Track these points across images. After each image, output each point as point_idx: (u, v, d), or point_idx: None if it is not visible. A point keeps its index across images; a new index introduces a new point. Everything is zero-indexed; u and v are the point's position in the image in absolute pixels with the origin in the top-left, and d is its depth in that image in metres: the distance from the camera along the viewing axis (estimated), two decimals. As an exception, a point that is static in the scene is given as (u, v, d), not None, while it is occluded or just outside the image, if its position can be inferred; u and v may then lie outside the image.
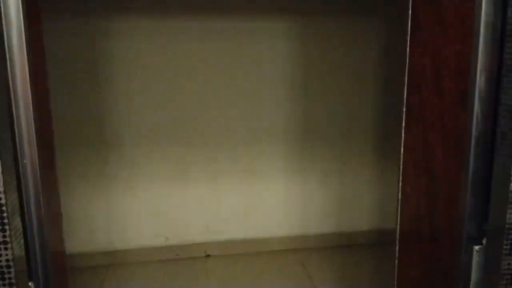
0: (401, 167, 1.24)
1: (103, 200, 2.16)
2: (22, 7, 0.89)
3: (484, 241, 0.97)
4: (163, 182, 2.20)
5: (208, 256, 2.32)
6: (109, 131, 2.11)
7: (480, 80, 0.96)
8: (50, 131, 1.02)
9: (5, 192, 0.83)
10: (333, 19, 2.17)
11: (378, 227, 2.45)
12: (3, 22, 0.88)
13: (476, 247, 0.97)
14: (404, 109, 1.22)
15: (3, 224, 0.86)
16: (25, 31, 0.89)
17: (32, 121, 0.91)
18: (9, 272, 0.87)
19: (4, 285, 0.88)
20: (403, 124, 1.22)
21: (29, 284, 0.97)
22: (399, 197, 1.25)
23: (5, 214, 0.85)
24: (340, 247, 2.41)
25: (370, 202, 2.41)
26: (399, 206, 1.26)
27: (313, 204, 2.40)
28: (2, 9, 0.88)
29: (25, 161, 0.91)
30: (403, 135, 1.23)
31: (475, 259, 0.97)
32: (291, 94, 2.26)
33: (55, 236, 1.04)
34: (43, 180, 0.90)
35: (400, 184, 1.25)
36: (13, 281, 0.88)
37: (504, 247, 0.91)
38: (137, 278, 2.12)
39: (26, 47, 0.88)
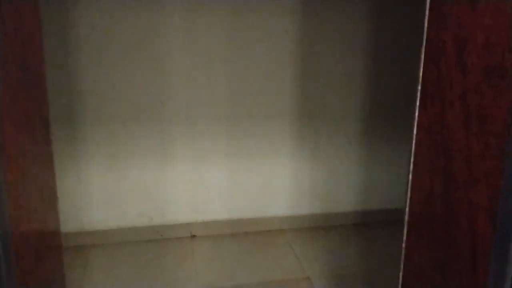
0: (413, 147, 1.19)
1: (84, 178, 2.03)
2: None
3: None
4: (148, 160, 2.09)
5: (193, 236, 2.24)
6: (92, 108, 1.98)
7: None
8: (46, 105, 0.90)
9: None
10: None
11: (363, 208, 2.43)
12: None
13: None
14: (419, 87, 1.16)
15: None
16: None
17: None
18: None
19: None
20: (417, 103, 1.17)
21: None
22: (410, 178, 1.20)
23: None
24: (327, 228, 2.38)
25: (356, 184, 2.39)
26: (409, 188, 1.21)
27: (299, 185, 2.35)
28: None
29: None
30: (416, 113, 1.17)
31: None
32: (282, 72, 2.18)
33: (49, 215, 0.94)
34: (35, 157, 0.79)
35: (412, 165, 1.20)
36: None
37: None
38: (121, 258, 2.02)
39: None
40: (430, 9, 1.12)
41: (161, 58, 1.99)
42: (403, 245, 1.24)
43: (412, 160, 1.20)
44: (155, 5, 1.92)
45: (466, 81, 1.03)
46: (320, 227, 2.37)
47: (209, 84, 2.08)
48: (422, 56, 1.14)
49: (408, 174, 1.21)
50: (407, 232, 1.23)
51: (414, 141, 1.18)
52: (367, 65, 2.22)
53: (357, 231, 2.37)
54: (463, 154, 1.05)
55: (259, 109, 2.18)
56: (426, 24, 1.13)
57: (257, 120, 2.18)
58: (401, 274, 1.26)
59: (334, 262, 2.04)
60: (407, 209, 1.23)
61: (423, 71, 1.15)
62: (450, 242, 1.09)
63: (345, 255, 2.11)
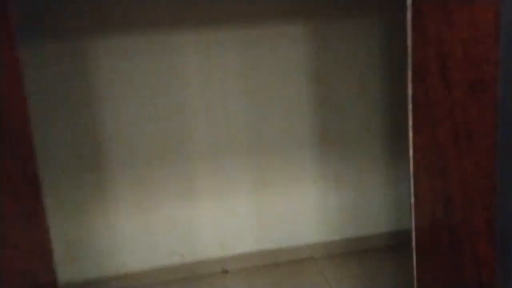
0: (411, 169, 1.13)
1: (114, 221, 2.10)
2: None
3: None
4: (174, 198, 2.13)
5: (225, 271, 2.23)
6: (118, 152, 2.05)
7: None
8: (33, 162, 0.95)
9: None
10: (339, 20, 2.08)
11: (395, 229, 2.33)
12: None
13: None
14: (410, 107, 1.11)
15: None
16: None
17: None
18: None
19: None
20: (410, 123, 1.12)
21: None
22: (412, 201, 1.14)
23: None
24: (358, 252, 2.29)
25: (386, 204, 2.29)
26: (413, 212, 1.15)
27: (327, 210, 2.29)
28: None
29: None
30: (411, 134, 1.12)
31: None
32: (298, 100, 2.17)
33: (42, 270, 0.98)
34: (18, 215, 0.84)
35: (412, 188, 1.14)
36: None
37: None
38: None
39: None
40: (412, 26, 1.08)
41: (181, 98, 2.04)
42: (414, 274, 1.17)
43: (412, 182, 1.14)
44: (173, 49, 1.99)
45: (451, 97, 0.98)
46: (352, 252, 2.28)
47: (227, 119, 2.10)
48: (410, 75, 1.10)
49: (410, 197, 1.15)
50: (417, 261, 1.16)
51: (412, 163, 1.13)
52: (383, 86, 2.16)
53: (390, 253, 2.26)
54: (457, 174, 0.98)
55: (280, 139, 2.17)
56: (410, 42, 1.09)
57: (278, 149, 2.17)
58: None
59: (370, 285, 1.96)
60: (413, 236, 1.16)
61: (412, 90, 1.11)
62: (456, 271, 1.02)
63: (379, 280, 2.02)
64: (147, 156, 2.08)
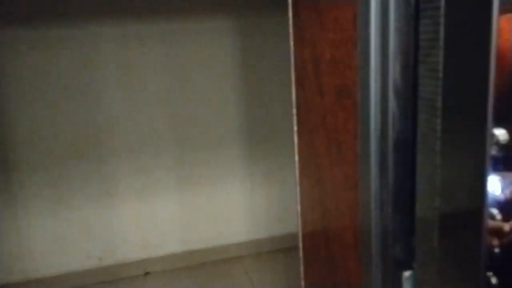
0: (297, 177, 1.08)
1: (25, 224, 1.99)
2: None
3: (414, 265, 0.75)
4: (91, 199, 2.03)
5: (147, 273, 2.16)
6: (28, 151, 1.94)
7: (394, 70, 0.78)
8: None
9: None
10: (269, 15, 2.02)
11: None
12: None
13: (406, 273, 0.74)
14: (294, 111, 1.06)
15: None
16: None
17: None
18: None
19: None
20: (295, 128, 1.06)
21: None
22: (298, 210, 1.09)
23: None
24: (286, 250, 2.26)
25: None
26: (299, 220, 1.10)
27: (255, 209, 2.25)
28: None
29: None
30: (295, 139, 1.06)
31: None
32: (225, 96, 2.10)
33: None
34: None
35: (298, 196, 1.09)
36: None
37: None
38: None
39: None
40: (293, 27, 1.02)
41: (100, 94, 1.94)
42: (302, 283, 1.13)
43: (298, 190, 1.09)
44: (90, 42, 1.89)
45: (324, 103, 0.92)
46: (279, 250, 2.25)
47: (150, 116, 2.02)
48: (293, 78, 1.04)
49: (296, 205, 1.10)
50: (303, 269, 1.11)
51: (297, 169, 1.08)
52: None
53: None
54: (331, 183, 0.93)
55: (205, 137, 2.10)
56: (291, 43, 1.03)
57: (204, 148, 2.11)
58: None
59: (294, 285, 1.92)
60: (300, 244, 1.11)
61: (295, 93, 1.05)
62: (333, 283, 0.97)
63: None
64: (62, 156, 1.98)
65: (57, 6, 1.84)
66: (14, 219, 1.97)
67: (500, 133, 0.56)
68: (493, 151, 0.56)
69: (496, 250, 0.61)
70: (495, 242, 0.60)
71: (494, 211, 0.59)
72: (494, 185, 0.60)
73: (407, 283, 0.74)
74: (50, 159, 1.96)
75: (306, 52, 0.97)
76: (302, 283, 1.11)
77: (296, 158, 1.07)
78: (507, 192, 0.61)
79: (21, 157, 1.93)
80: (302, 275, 1.11)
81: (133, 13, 1.91)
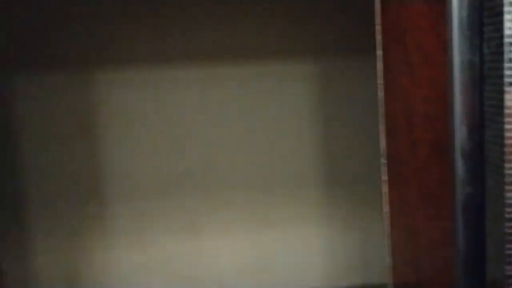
0: (387, 228, 1.06)
1: (104, 257, 2.10)
2: None
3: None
4: (173, 235, 2.12)
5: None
6: (110, 188, 2.07)
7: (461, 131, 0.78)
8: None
9: None
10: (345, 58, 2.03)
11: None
12: None
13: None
14: (385, 161, 1.05)
15: None
16: None
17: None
18: None
19: None
20: (385, 178, 1.06)
21: None
22: (389, 262, 1.07)
23: None
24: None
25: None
26: (390, 273, 1.08)
27: (332, 256, 2.20)
28: None
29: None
30: (384, 190, 1.06)
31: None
32: (304, 139, 2.12)
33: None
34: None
35: (388, 247, 1.07)
36: None
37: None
38: None
39: None
40: (384, 77, 1.04)
41: (178, 130, 2.04)
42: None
43: (388, 241, 1.07)
44: (174, 83, 2.01)
45: (416, 157, 0.91)
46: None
47: (229, 156, 2.09)
48: (382, 128, 1.05)
49: (386, 257, 1.08)
50: (395, 324, 1.08)
51: (387, 220, 1.06)
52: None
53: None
54: (426, 239, 0.91)
55: (283, 178, 2.12)
56: (380, 93, 1.04)
57: (282, 189, 2.12)
58: None
59: None
60: (391, 297, 1.08)
61: (385, 144, 1.05)
62: None
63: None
64: (148, 191, 2.09)
65: (152, 48, 1.99)
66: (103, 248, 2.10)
67: None
68: None
69: None
70: None
71: None
72: None
73: None
74: (139, 194, 2.08)
75: (398, 104, 0.97)
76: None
77: (386, 208, 1.06)
78: None
79: (105, 193, 2.07)
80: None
81: (212, 56, 2.01)
